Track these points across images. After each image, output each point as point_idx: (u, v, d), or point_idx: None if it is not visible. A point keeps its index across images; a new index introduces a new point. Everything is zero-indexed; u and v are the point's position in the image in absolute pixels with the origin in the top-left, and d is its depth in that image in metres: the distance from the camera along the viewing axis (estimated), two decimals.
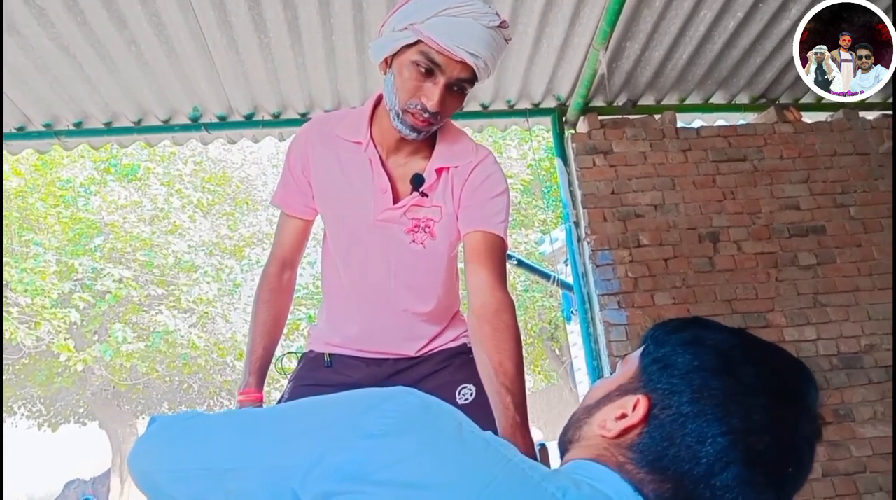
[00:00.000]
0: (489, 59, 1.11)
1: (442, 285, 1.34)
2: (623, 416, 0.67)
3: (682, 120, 3.38)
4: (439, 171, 1.25)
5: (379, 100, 1.27)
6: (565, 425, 0.76)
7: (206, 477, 0.63)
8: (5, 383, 11.64)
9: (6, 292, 9.31)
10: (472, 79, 1.13)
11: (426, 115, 1.13)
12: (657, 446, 0.64)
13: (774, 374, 0.66)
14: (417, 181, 1.23)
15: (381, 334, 1.35)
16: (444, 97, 1.12)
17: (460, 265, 1.40)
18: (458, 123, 3.78)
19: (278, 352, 1.45)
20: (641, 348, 0.73)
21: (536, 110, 3.27)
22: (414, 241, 1.27)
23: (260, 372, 1.33)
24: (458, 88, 1.14)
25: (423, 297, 1.33)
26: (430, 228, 1.26)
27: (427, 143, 1.26)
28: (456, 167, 1.25)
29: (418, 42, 1.10)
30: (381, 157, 1.26)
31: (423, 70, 1.10)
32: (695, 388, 0.64)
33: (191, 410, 0.72)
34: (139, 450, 0.71)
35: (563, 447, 0.74)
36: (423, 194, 1.24)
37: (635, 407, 0.66)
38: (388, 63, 1.17)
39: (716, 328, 0.70)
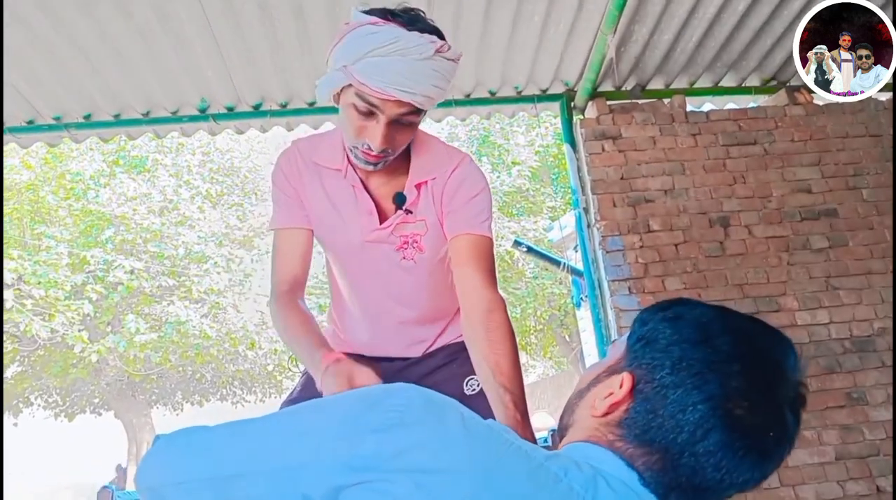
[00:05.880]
0: (429, 91, 1.09)
1: (436, 291, 1.37)
2: (610, 394, 0.70)
3: (691, 104, 3.35)
4: (419, 186, 1.26)
5: None
6: (562, 411, 0.79)
7: (214, 486, 0.64)
8: (22, 374, 11.80)
9: (20, 285, 9.41)
10: (416, 111, 1.12)
11: (374, 153, 1.14)
12: (642, 419, 0.67)
13: (750, 342, 0.68)
14: (400, 200, 1.26)
15: (386, 343, 1.41)
16: (388, 134, 1.12)
17: None
18: (465, 110, 3.76)
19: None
20: (629, 332, 0.75)
21: (544, 96, 3.26)
22: (405, 257, 1.30)
23: (324, 343, 1.16)
24: (405, 121, 1.13)
25: (419, 307, 1.37)
26: (417, 242, 1.29)
27: (404, 158, 1.26)
28: (434, 179, 1.27)
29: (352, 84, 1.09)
30: (361, 180, 1.27)
31: (362, 111, 1.10)
32: (674, 360, 0.67)
33: (193, 425, 0.72)
34: (145, 467, 0.71)
35: (561, 433, 0.77)
36: (408, 211, 1.26)
37: (621, 385, 0.69)
38: (337, 98, 1.16)
39: (697, 305, 0.72)
